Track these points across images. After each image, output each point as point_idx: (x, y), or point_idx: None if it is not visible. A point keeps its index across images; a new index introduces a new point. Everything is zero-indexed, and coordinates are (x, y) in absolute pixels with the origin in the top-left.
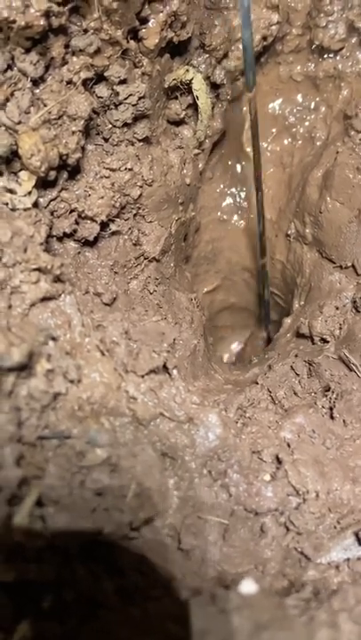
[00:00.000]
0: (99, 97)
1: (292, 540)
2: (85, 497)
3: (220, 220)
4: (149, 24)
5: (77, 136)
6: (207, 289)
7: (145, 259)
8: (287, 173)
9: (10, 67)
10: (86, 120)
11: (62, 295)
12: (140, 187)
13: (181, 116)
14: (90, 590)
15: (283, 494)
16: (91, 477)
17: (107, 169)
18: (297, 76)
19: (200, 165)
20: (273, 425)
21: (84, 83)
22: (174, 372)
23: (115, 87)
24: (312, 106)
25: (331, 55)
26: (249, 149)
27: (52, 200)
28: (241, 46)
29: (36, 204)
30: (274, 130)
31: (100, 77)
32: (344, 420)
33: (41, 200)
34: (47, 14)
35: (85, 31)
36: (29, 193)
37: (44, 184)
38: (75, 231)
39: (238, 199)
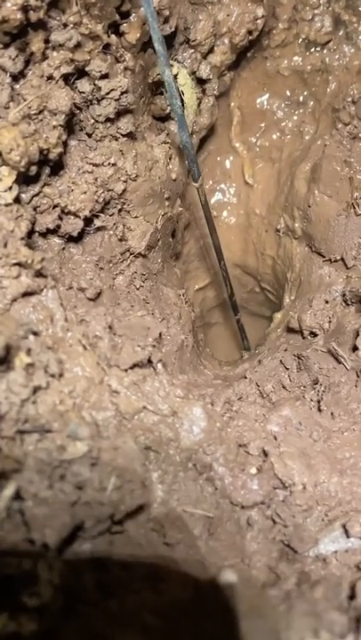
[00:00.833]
0: (81, 92)
1: (278, 533)
2: (65, 490)
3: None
4: (130, 18)
5: (58, 131)
6: (198, 286)
7: (131, 254)
8: (276, 168)
9: None
10: (67, 115)
11: (44, 290)
12: (124, 182)
13: (167, 111)
14: (69, 585)
15: (269, 487)
16: (71, 471)
17: (90, 164)
18: (284, 71)
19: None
20: (260, 418)
21: (65, 77)
22: (159, 366)
23: (96, 82)
24: (300, 100)
25: (318, 49)
26: (238, 145)
27: (34, 196)
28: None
29: (17, 200)
30: (262, 125)
31: (82, 72)
32: (332, 413)
33: (23, 196)
34: (24, 8)
35: (65, 25)
36: (10, 188)
37: (25, 180)
38: (58, 227)
39: (228, 195)
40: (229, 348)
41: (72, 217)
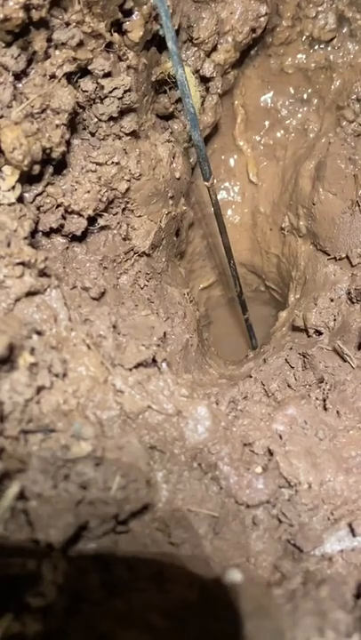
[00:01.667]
0: (83, 90)
1: (284, 532)
2: (70, 490)
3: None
4: (133, 16)
5: (61, 130)
6: (203, 285)
7: (135, 253)
8: (280, 166)
9: None
10: (70, 114)
11: (48, 289)
12: (128, 181)
13: (171, 109)
14: (74, 585)
15: (274, 486)
16: (75, 470)
17: (93, 163)
18: (288, 68)
19: (191, 159)
20: (265, 417)
21: (68, 76)
22: (163, 365)
23: (99, 80)
24: (304, 98)
25: (322, 46)
26: (242, 143)
27: (37, 195)
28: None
29: (20, 199)
30: (266, 123)
31: (85, 71)
32: (338, 411)
33: (26, 195)
34: (27, 7)
35: (67, 24)
36: (13, 188)
37: (29, 179)
38: (62, 226)
39: (232, 193)
40: (235, 347)
41: (76, 216)
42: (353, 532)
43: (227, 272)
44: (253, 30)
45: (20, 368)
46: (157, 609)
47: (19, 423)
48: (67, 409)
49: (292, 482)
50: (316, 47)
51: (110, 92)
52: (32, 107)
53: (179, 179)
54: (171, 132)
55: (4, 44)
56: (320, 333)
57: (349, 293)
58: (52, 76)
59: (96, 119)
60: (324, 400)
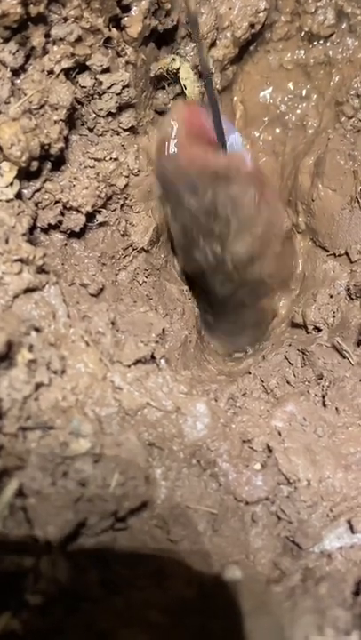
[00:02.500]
0: (82, 86)
1: (283, 529)
2: (68, 487)
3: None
4: (132, 12)
5: (59, 125)
6: None
7: (133, 249)
8: (279, 162)
9: None
10: (68, 109)
11: (47, 286)
12: (126, 177)
13: (169, 105)
14: (73, 582)
15: (273, 483)
16: (74, 467)
17: (91, 159)
18: (287, 64)
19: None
20: (264, 414)
21: (66, 72)
22: (162, 361)
23: (98, 76)
24: (303, 93)
25: (321, 42)
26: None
27: (36, 191)
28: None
29: (19, 196)
30: (265, 119)
31: (83, 66)
32: (337, 408)
33: (25, 191)
34: (25, 2)
35: (65, 19)
36: (11, 184)
37: (27, 175)
38: (60, 222)
39: None
40: None
41: (74, 212)
42: (352, 529)
43: None
44: (252, 26)
45: (19, 365)
46: (157, 606)
47: (17, 420)
48: (65, 406)
49: (291, 479)
50: (316, 43)
51: (109, 87)
52: (30, 103)
53: None
54: None
55: (1, 40)
56: (319, 330)
57: (349, 290)
58: (51, 72)
59: (94, 115)
60: (323, 397)
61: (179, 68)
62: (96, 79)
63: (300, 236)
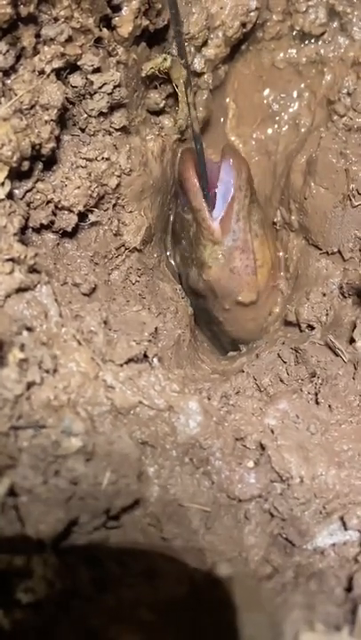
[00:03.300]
0: (73, 86)
1: (276, 527)
2: (60, 486)
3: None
4: (122, 12)
5: (51, 125)
6: None
7: (126, 249)
8: (272, 161)
9: None
10: (60, 109)
11: (38, 286)
12: (118, 176)
13: (161, 105)
14: (64, 580)
15: (266, 480)
16: (65, 466)
17: (83, 159)
18: (279, 63)
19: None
20: (257, 412)
21: (57, 72)
22: (155, 360)
23: (89, 76)
24: (295, 92)
25: (312, 40)
26: (233, 138)
27: (27, 191)
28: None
29: (10, 196)
30: (258, 118)
31: (74, 66)
32: (329, 405)
33: (16, 191)
34: (15, 3)
35: (56, 20)
36: (2, 184)
37: (18, 175)
38: (52, 222)
39: None
40: None
41: (66, 212)
42: (345, 526)
43: None
44: (244, 25)
45: (10, 364)
46: (148, 604)
47: (9, 419)
48: (57, 405)
49: (284, 476)
50: (307, 42)
51: (100, 87)
52: (21, 103)
53: (170, 174)
54: (161, 128)
55: None
56: (312, 328)
57: (341, 288)
58: (41, 72)
59: (86, 115)
60: (316, 394)
61: (170, 68)
62: (87, 79)
63: (293, 235)
